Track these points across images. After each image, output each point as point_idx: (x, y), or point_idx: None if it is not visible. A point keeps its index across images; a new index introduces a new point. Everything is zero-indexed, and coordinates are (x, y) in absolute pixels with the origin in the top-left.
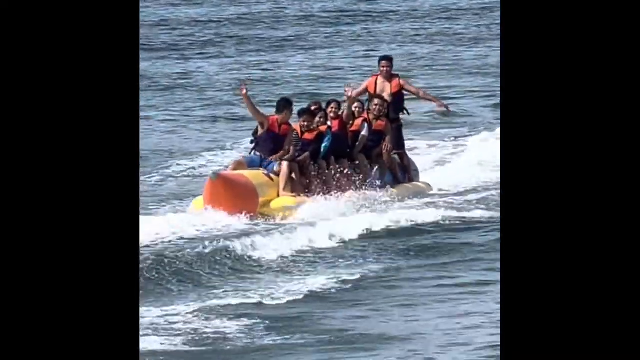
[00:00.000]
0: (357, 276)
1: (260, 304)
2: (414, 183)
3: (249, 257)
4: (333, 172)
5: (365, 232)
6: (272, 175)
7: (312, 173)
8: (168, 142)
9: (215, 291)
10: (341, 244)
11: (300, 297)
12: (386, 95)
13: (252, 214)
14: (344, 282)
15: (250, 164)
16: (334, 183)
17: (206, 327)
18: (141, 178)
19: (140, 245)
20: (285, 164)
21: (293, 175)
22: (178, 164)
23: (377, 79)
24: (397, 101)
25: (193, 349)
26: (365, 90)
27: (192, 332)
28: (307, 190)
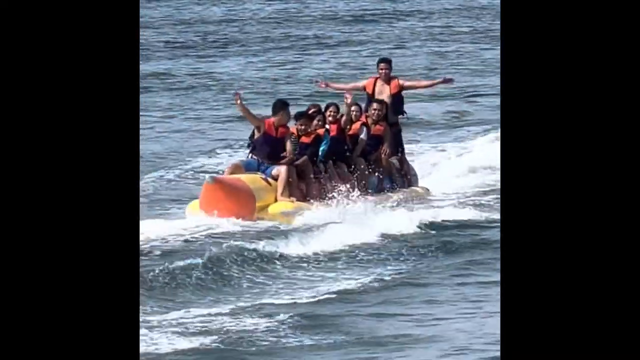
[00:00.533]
0: (385, 276)
1: (288, 304)
2: (413, 188)
3: (279, 256)
4: (330, 176)
5: (390, 232)
6: (269, 180)
7: (311, 176)
8: (190, 141)
9: (244, 291)
10: (368, 244)
11: (328, 297)
12: (385, 98)
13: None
14: (372, 282)
15: (248, 168)
16: (332, 187)
17: (235, 326)
18: (158, 176)
19: (163, 244)
20: (283, 168)
21: (290, 179)
22: (197, 161)
23: (376, 81)
24: (396, 103)
25: (222, 347)
26: (363, 89)
27: (222, 332)
28: (305, 195)
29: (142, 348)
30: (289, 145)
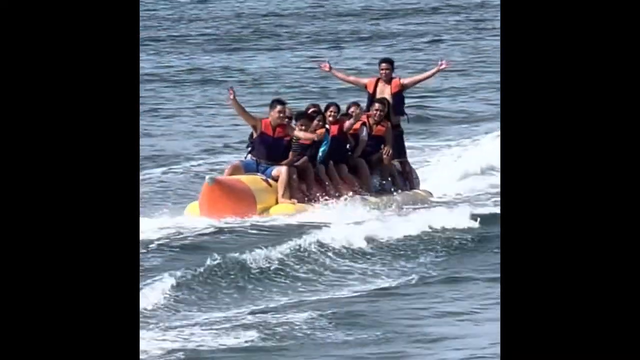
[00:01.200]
0: (421, 273)
1: (325, 299)
2: (415, 191)
3: (317, 252)
4: (331, 177)
5: (428, 228)
6: (270, 181)
7: (311, 177)
8: (225, 135)
9: (284, 288)
10: (405, 240)
11: (364, 293)
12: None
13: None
14: (409, 278)
15: (247, 169)
16: (334, 189)
17: (275, 322)
18: (183, 167)
19: (196, 238)
20: (284, 168)
21: (291, 180)
22: (226, 155)
23: (377, 81)
24: (397, 103)
25: (262, 342)
26: (364, 87)
27: (261, 328)
28: (306, 197)
29: (186, 345)
30: (301, 134)
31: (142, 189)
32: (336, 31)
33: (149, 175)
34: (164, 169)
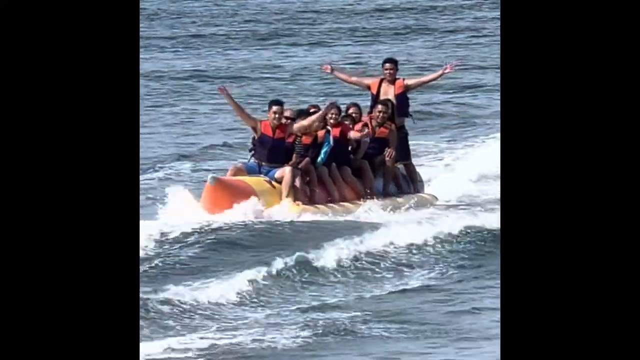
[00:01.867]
0: (459, 271)
1: (366, 297)
2: (419, 194)
3: (359, 251)
4: (334, 179)
5: (462, 229)
6: (273, 183)
7: (315, 179)
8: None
9: (327, 287)
10: (444, 239)
11: (401, 291)
12: (390, 99)
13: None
14: (441, 278)
15: (249, 171)
16: (337, 191)
17: (320, 319)
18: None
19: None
20: (288, 170)
21: (296, 182)
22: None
23: (381, 82)
24: (401, 103)
25: (313, 339)
26: (367, 87)
27: (309, 325)
28: (310, 198)
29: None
30: (305, 121)
31: (169, 187)
32: (373, 26)
33: (179, 171)
34: (191, 164)
